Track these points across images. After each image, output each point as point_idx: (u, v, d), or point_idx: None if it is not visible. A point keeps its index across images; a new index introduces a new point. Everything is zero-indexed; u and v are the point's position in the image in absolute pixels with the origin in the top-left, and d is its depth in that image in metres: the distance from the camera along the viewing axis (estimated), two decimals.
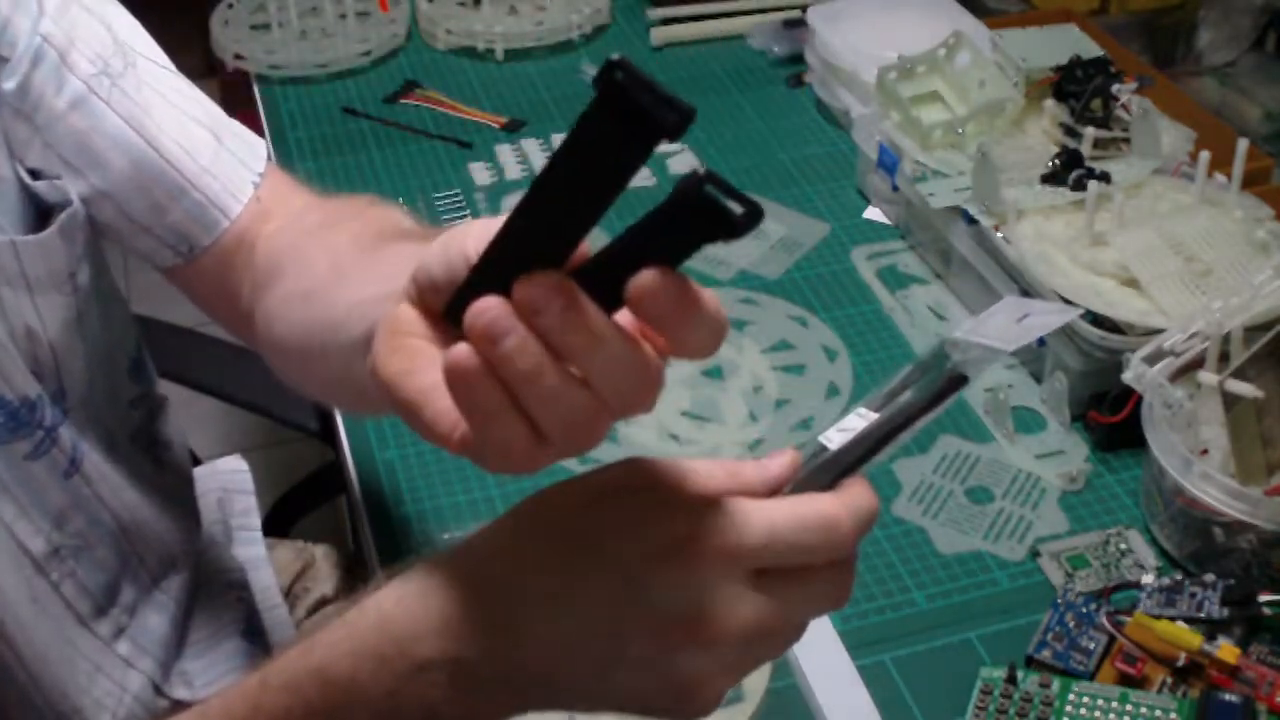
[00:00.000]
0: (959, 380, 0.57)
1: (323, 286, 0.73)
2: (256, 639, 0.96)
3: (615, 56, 0.46)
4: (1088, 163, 1.05)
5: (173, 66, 0.85)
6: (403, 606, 0.54)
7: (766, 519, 0.51)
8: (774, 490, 0.55)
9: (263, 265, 0.82)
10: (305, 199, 0.86)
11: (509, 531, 0.54)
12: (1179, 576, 0.84)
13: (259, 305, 0.81)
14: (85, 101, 0.78)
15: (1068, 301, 0.95)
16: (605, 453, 1.00)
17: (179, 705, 0.87)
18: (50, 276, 0.77)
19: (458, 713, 0.54)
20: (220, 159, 0.83)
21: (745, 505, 0.52)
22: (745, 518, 0.51)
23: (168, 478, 0.95)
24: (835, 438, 0.56)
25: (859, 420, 0.57)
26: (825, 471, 0.55)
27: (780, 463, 0.55)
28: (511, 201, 1.23)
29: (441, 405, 0.52)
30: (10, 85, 0.75)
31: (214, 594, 0.97)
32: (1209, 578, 0.82)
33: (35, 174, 0.77)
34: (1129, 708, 0.76)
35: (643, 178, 1.27)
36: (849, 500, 0.53)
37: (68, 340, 0.80)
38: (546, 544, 0.52)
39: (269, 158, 0.86)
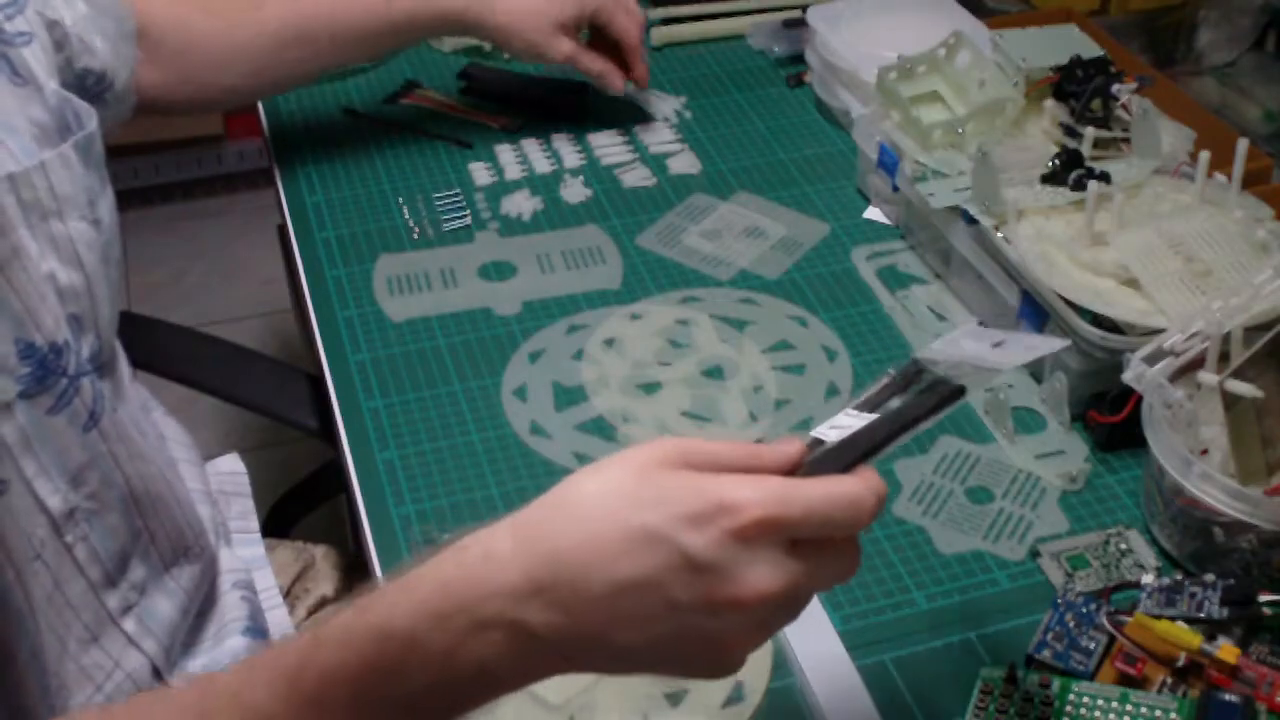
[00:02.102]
0: (958, 392, 0.63)
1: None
2: (258, 638, 0.96)
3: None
4: (1088, 163, 1.05)
5: None
6: (465, 570, 0.58)
7: (805, 495, 0.58)
8: (788, 473, 0.61)
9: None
10: None
11: (564, 508, 0.59)
12: (1179, 576, 0.84)
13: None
14: None
15: (1067, 302, 0.95)
16: (606, 451, 1.00)
17: None
18: (74, 200, 0.84)
19: (509, 671, 0.59)
20: None
21: (786, 482, 0.58)
22: (787, 493, 0.57)
23: (180, 465, 0.97)
24: (831, 434, 0.62)
25: (851, 419, 0.63)
26: (836, 459, 0.61)
27: (793, 448, 0.62)
28: (511, 201, 1.23)
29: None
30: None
31: (221, 591, 0.98)
32: (1209, 578, 0.82)
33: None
34: (1129, 708, 0.76)
35: (643, 178, 1.27)
36: (871, 483, 0.59)
37: (98, 277, 0.85)
38: (600, 519, 0.57)
39: None
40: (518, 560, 0.57)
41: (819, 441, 0.63)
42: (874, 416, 0.63)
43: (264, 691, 0.59)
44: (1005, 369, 0.66)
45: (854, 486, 0.59)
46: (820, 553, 0.59)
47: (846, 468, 0.61)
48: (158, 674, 0.88)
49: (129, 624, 0.86)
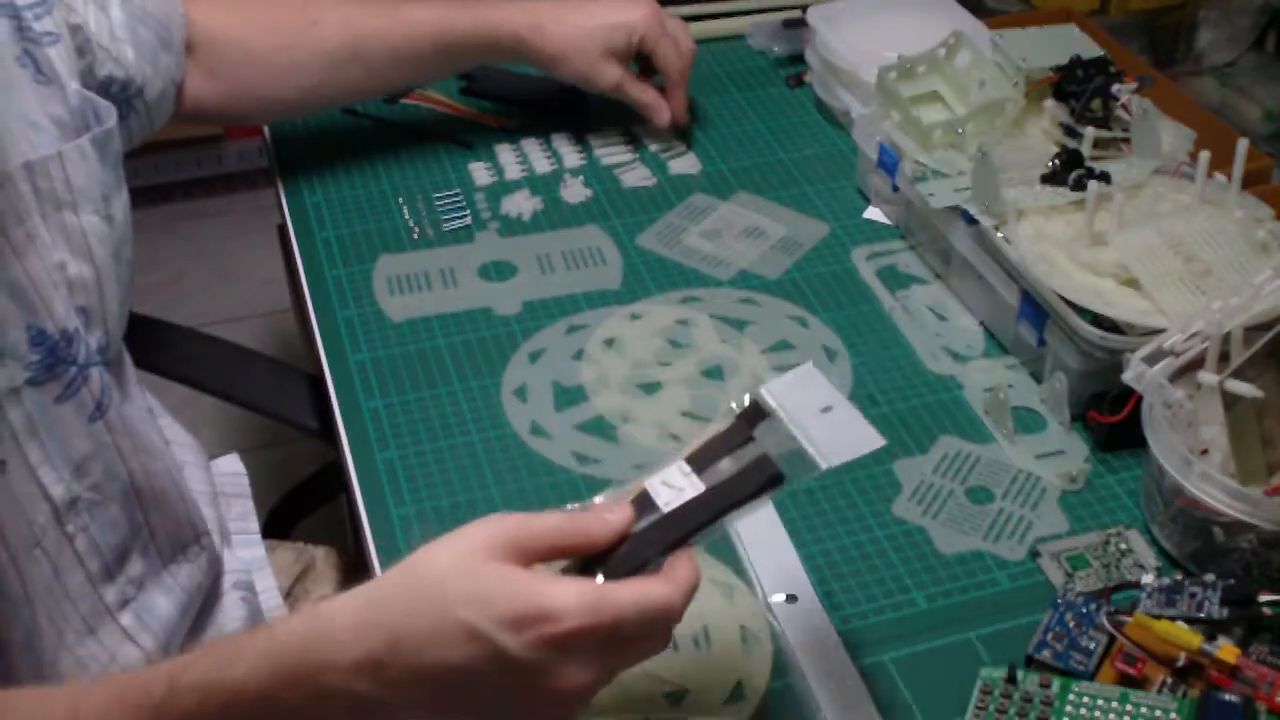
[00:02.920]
0: (777, 479, 0.69)
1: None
2: None
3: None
4: (1088, 163, 1.05)
5: None
6: (312, 644, 0.66)
7: (619, 604, 0.64)
8: (616, 542, 0.68)
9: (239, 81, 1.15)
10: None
11: (406, 595, 0.66)
12: (1179, 576, 0.84)
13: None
14: None
15: (1067, 302, 0.95)
16: (606, 452, 1.01)
17: None
18: (88, 193, 0.85)
19: None
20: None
21: (603, 591, 0.65)
22: (602, 602, 0.64)
23: (185, 462, 0.98)
24: (662, 492, 0.69)
25: (682, 478, 0.69)
26: (659, 537, 0.68)
27: (619, 518, 0.68)
28: (511, 201, 1.23)
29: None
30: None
31: (220, 592, 0.98)
32: (1209, 578, 0.82)
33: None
34: (1129, 708, 0.76)
35: (643, 178, 1.27)
36: (680, 584, 0.66)
37: (109, 272, 0.87)
38: (434, 611, 0.64)
39: None
40: (359, 641, 0.65)
41: (648, 497, 0.69)
42: (702, 489, 0.69)
43: None
44: (823, 468, 0.70)
45: (663, 592, 0.66)
46: (632, 648, 0.67)
47: (665, 549, 0.67)
48: None
49: (126, 618, 0.86)
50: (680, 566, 0.67)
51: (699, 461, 0.70)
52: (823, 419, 0.71)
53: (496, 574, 0.65)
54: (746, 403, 0.72)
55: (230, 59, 1.13)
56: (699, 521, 0.68)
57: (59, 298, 0.81)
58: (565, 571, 0.69)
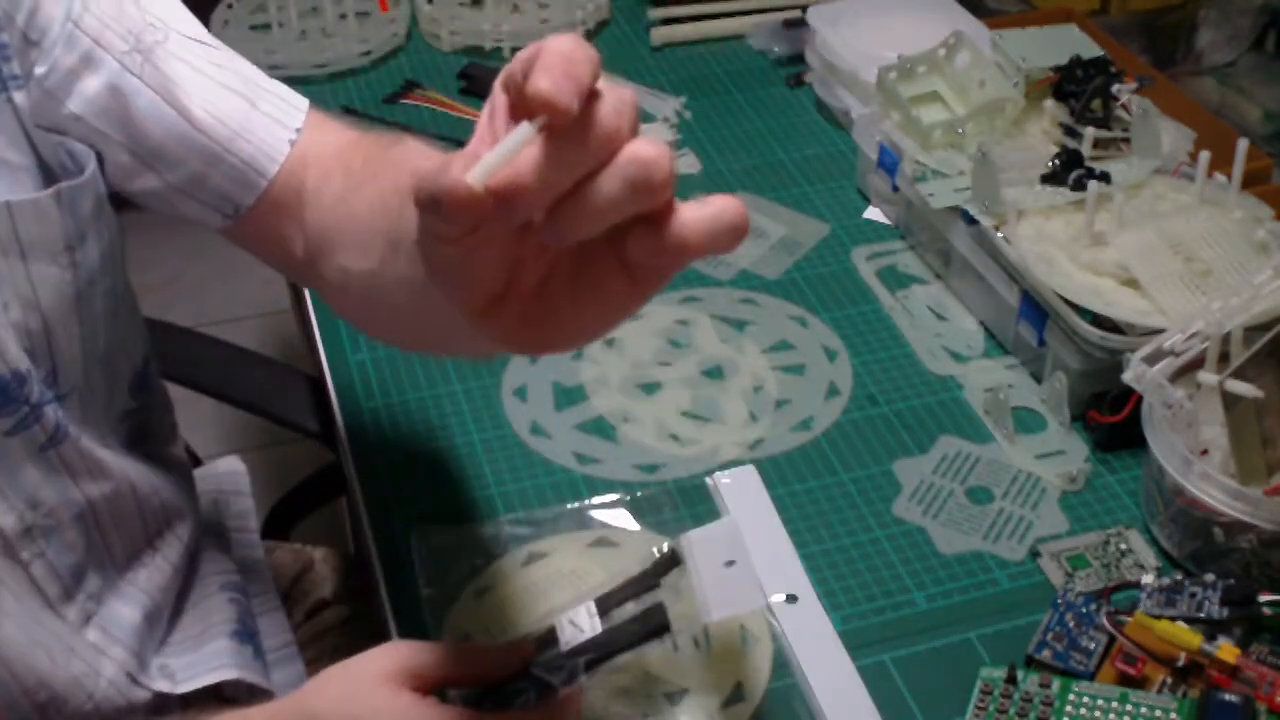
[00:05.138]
0: (663, 629, 0.73)
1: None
2: (246, 641, 0.95)
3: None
4: (1088, 163, 1.05)
5: (207, 36, 0.86)
6: None
7: None
8: (517, 673, 0.72)
9: (315, 229, 0.85)
10: (340, 139, 0.87)
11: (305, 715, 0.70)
12: (1179, 576, 0.84)
13: (324, 269, 0.84)
14: (120, 79, 0.80)
15: (1067, 302, 0.95)
16: (606, 451, 1.01)
17: (160, 696, 0.88)
18: (45, 244, 0.78)
19: None
20: (253, 122, 0.84)
21: None
22: None
23: (153, 475, 0.95)
24: (567, 630, 0.74)
25: (587, 619, 0.74)
26: (556, 670, 0.73)
27: (516, 654, 0.73)
28: None
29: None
30: (42, 70, 0.77)
31: (206, 594, 0.96)
32: (1209, 578, 0.82)
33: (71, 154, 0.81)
34: (1129, 708, 0.76)
35: None
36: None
37: (63, 318, 0.80)
38: None
39: (307, 109, 0.87)
40: None
41: (553, 634, 0.74)
42: (599, 631, 0.73)
43: None
44: (705, 620, 0.75)
45: None
46: None
47: (563, 682, 0.72)
48: (134, 680, 0.87)
49: (91, 634, 0.84)
50: (564, 704, 0.71)
51: (607, 602, 0.75)
52: (723, 573, 0.76)
53: (392, 701, 0.68)
54: (666, 549, 0.77)
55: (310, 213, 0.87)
56: (588, 660, 0.73)
57: (10, 339, 0.77)
58: (462, 700, 0.72)
